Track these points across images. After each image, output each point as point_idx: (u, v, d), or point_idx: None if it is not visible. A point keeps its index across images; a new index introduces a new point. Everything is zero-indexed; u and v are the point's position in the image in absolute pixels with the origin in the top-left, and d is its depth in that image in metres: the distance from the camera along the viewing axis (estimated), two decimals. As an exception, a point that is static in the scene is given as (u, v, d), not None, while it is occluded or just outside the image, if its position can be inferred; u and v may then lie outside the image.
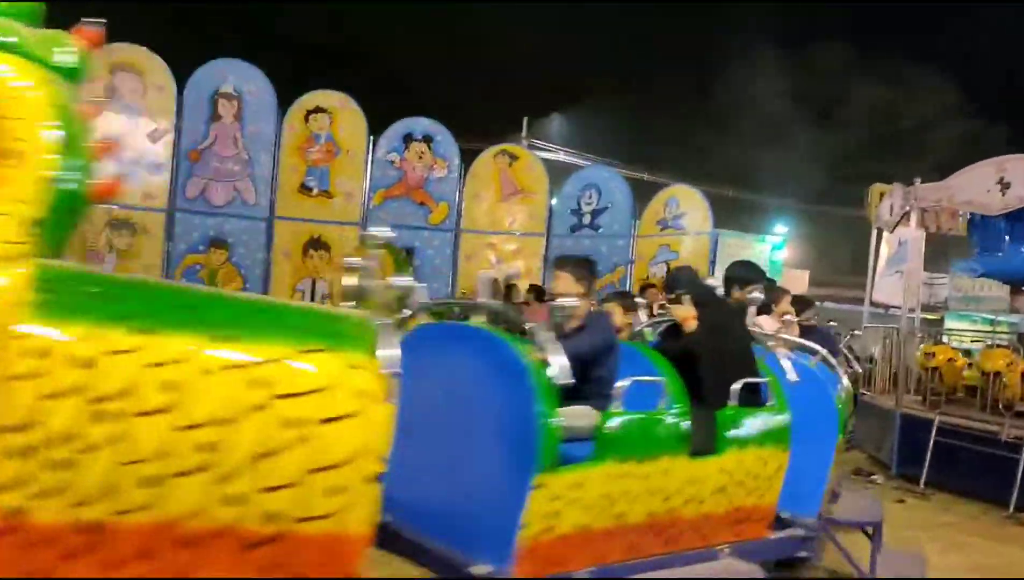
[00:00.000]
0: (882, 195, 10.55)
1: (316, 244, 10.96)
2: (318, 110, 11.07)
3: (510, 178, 11.23)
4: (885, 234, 11.25)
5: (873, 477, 8.82)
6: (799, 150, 32.74)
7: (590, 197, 10.89)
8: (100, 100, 10.16)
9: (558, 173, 12.36)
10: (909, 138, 32.78)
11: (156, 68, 10.51)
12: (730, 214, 22.90)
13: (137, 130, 10.44)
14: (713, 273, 9.61)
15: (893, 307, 11.25)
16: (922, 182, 9.41)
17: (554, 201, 11.28)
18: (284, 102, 11.01)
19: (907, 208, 9.54)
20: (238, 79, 10.82)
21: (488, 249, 11.13)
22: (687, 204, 10.07)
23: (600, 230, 10.73)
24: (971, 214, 10.00)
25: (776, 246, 23.61)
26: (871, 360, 11.48)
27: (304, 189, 11.00)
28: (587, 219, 10.89)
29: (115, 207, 10.28)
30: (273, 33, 30.58)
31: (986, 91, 33.00)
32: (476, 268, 11.07)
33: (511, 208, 11.19)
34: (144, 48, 10.43)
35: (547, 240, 11.01)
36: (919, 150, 29.66)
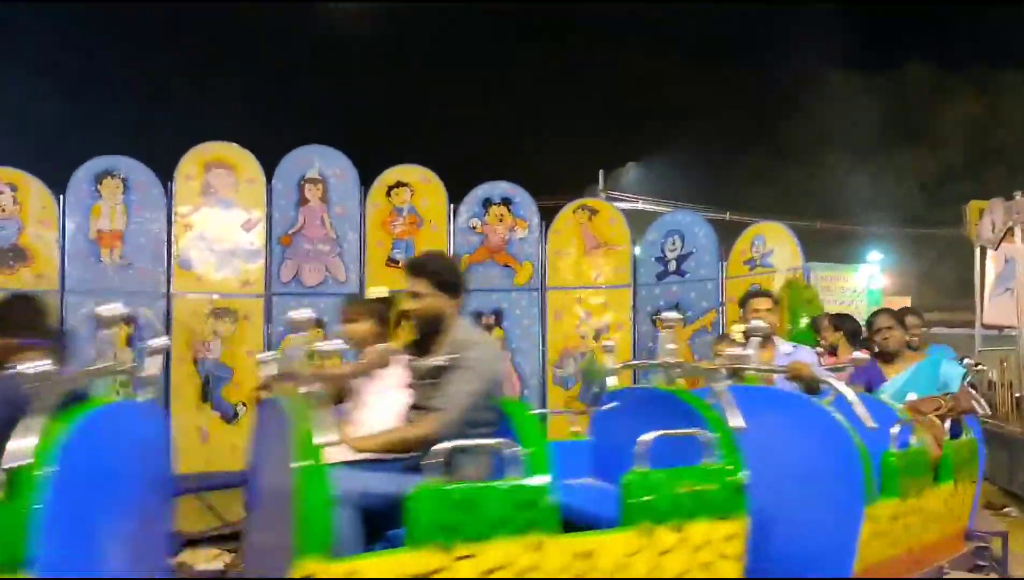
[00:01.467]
0: (981, 212, 10.12)
1: (408, 315, 11.13)
2: (399, 185, 11.40)
3: (591, 232, 11.25)
4: (990, 252, 10.76)
5: (1006, 510, 8.29)
6: (890, 174, 31.77)
7: (674, 243, 10.80)
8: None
9: (639, 222, 12.32)
10: (1003, 154, 31.42)
11: (247, 162, 11.04)
12: (821, 246, 22.37)
13: (232, 222, 10.95)
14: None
15: (1007, 327, 10.67)
16: (1022, 196, 9.01)
17: (637, 250, 11.23)
18: (366, 181, 11.38)
19: (1010, 223, 9.12)
20: (322, 163, 11.26)
21: (576, 304, 11.12)
22: (774, 240, 9.87)
23: (687, 275, 10.60)
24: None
25: (873, 275, 22.86)
26: (990, 386, 10.89)
27: (391, 262, 11.27)
28: (672, 266, 10.78)
29: (216, 296, 10.75)
30: (346, 115, 31.80)
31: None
32: (566, 325, 11.06)
33: (595, 261, 11.18)
34: (234, 144, 10.99)
35: (634, 290, 10.93)
36: (1014, 165, 28.37)
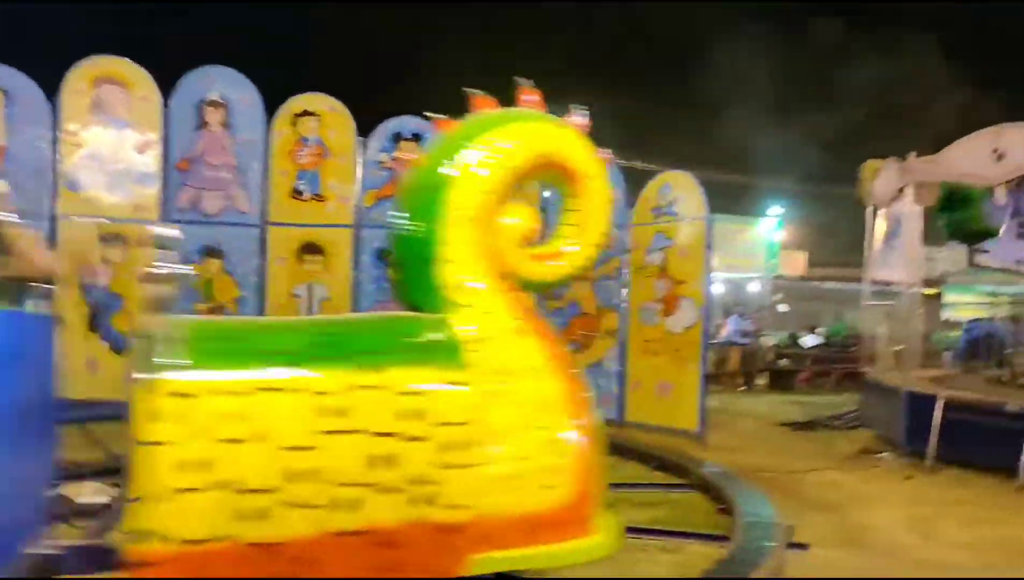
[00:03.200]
0: (876, 171, 10.48)
1: (311, 248, 10.88)
2: (306, 113, 10.99)
3: (502, 172, 11.14)
4: (881, 210, 11.18)
5: (881, 455, 8.78)
6: (794, 130, 32.63)
7: (584, 188, 10.80)
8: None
9: (551, 165, 12.24)
10: (907, 114, 32.66)
11: (141, 79, 10.43)
12: (726, 198, 22.90)
13: (124, 142, 10.37)
14: (710, 258, 9.56)
15: (893, 283, 11.19)
16: (918, 156, 9.35)
17: (547, 193, 11.18)
18: (271, 107, 10.94)
19: (902, 184, 9.48)
20: (225, 86, 10.74)
21: (484, 245, 11.04)
22: (681, 190, 9.99)
23: (595, 220, 10.65)
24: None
25: (773, 228, 23.52)
26: (874, 338, 11.45)
27: (296, 194, 10.93)
28: (582, 210, 10.80)
29: (105, 220, 10.22)
30: (253, 38, 30.48)
31: (982, 60, 32.89)
32: (473, 265, 10.99)
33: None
34: (127, 60, 10.35)
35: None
36: (918, 126, 29.54)
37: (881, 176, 10.32)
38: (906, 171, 9.35)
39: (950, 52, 33.36)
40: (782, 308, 24.60)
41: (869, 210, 11.26)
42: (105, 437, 7.83)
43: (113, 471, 6.15)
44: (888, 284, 11.98)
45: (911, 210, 9.80)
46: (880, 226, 11.10)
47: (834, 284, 26.72)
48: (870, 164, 10.66)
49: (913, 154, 9.39)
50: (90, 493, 5.61)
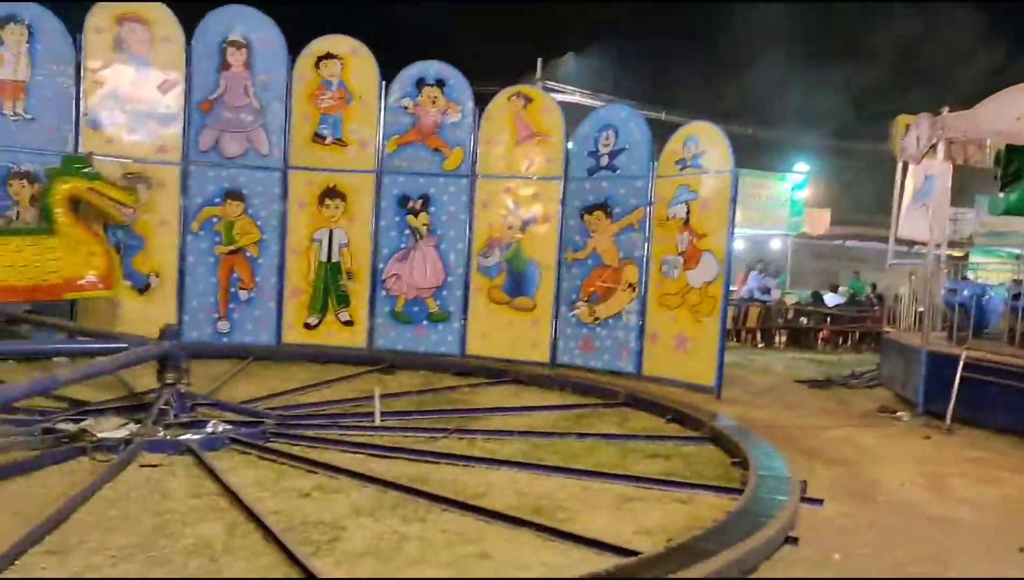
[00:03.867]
0: (908, 127, 10.25)
1: (332, 193, 10.87)
2: (329, 56, 10.89)
3: (525, 121, 11.01)
4: (911, 168, 10.97)
5: (899, 414, 8.75)
6: (822, 86, 31.97)
7: (607, 138, 10.67)
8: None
9: (576, 116, 12.10)
10: (937, 71, 31.86)
11: (163, 18, 10.35)
12: (751, 152, 22.56)
13: (146, 82, 10.33)
14: (733, 212, 9.44)
15: (918, 244, 11.02)
16: (949, 112, 9.13)
17: (571, 144, 11.06)
18: (294, 49, 10.84)
19: (934, 139, 9.27)
20: (246, 26, 10.65)
21: (505, 194, 10.98)
22: (706, 143, 9.83)
23: (618, 171, 10.53)
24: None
25: (798, 185, 23.21)
26: (897, 298, 11.33)
27: (318, 138, 10.88)
28: (605, 161, 10.67)
29: (129, 161, 10.24)
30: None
31: (1018, 15, 31.84)
32: (493, 215, 10.94)
33: (527, 152, 11.00)
34: (150, -2, 10.29)
35: (565, 183, 10.83)
36: (947, 83, 28.84)
37: (912, 131, 10.10)
38: (938, 127, 9.14)
39: (983, 6, 32.38)
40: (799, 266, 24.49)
41: (898, 167, 11.05)
42: (126, 375, 7.96)
43: (134, 408, 6.26)
44: (913, 244, 11.82)
45: (941, 168, 9.61)
46: (908, 183, 10.90)
47: (857, 243, 26.42)
48: (901, 119, 10.46)
49: (946, 109, 9.17)
50: (110, 427, 5.70)
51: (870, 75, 34.22)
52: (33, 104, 9.84)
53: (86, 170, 9.36)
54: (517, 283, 10.84)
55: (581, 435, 6.62)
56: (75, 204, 9.23)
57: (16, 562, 3.53)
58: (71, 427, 5.70)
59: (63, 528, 3.99)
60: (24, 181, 9.80)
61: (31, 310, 8.85)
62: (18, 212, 9.78)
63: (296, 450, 5.64)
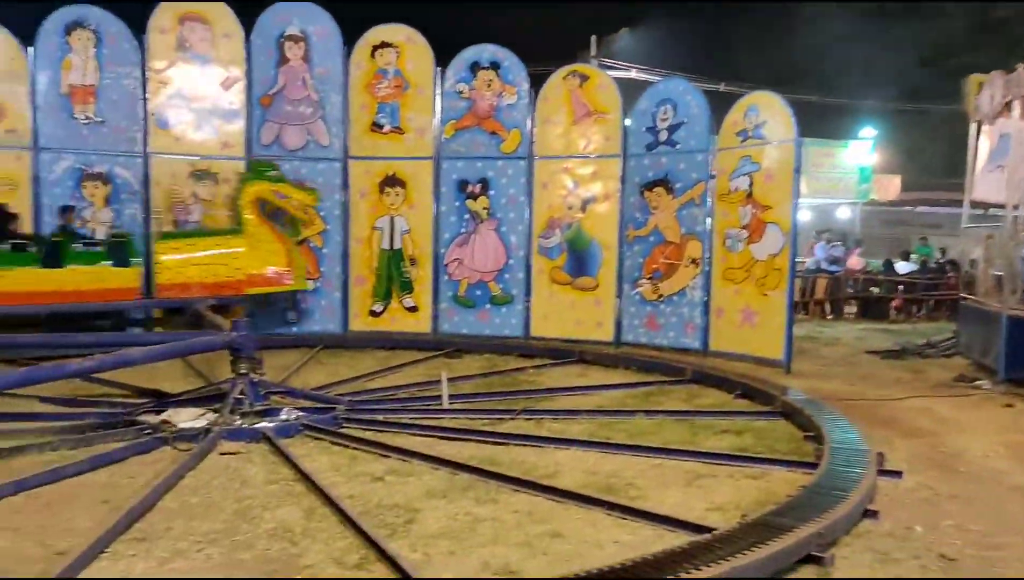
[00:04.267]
0: (981, 85, 9.86)
1: (392, 181, 10.97)
2: (384, 45, 10.97)
3: (582, 99, 10.93)
4: (985, 128, 10.56)
5: (978, 383, 8.48)
6: (888, 46, 30.88)
7: (665, 113, 10.52)
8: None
9: (632, 92, 11.96)
10: (1011, 25, 30.47)
11: (223, 16, 10.57)
12: (815, 120, 21.97)
13: (209, 79, 10.56)
14: (798, 183, 9.23)
15: (994, 206, 10.60)
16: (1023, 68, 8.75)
17: (628, 120, 10.94)
18: (349, 40, 10.95)
19: (1009, 97, 8.90)
20: (303, 20, 10.79)
21: (564, 174, 10.93)
22: (768, 112, 9.61)
23: (678, 146, 10.38)
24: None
25: (865, 151, 22.44)
26: (972, 263, 10.95)
27: (375, 127, 10.98)
28: (663, 136, 10.52)
29: (196, 158, 10.50)
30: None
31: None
32: (552, 195, 10.91)
33: (585, 130, 10.92)
34: (209, -3, 10.51)
35: (624, 161, 10.73)
36: (1015, 39, 27.57)
37: (985, 90, 9.71)
38: (1013, 84, 8.77)
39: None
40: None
41: (971, 128, 10.65)
42: (202, 366, 8.20)
43: (212, 398, 6.45)
44: (989, 206, 11.39)
45: (1017, 127, 9.23)
46: (983, 144, 10.49)
47: (929, 208, 25.58)
48: (974, 77, 10.04)
49: (1021, 66, 8.78)
50: (189, 418, 5.88)
51: (939, 32, 32.91)
52: (102, 107, 10.16)
53: (270, 173, 9.98)
54: (579, 263, 10.80)
55: (649, 413, 6.59)
56: (262, 205, 9.87)
57: (107, 549, 3.68)
58: (153, 418, 5.90)
59: (149, 516, 4.14)
60: (98, 182, 10.14)
61: (215, 306, 9.19)
62: (94, 212, 10.13)
63: (368, 435, 5.74)
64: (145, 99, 10.32)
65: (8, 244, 8.89)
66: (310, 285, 10.58)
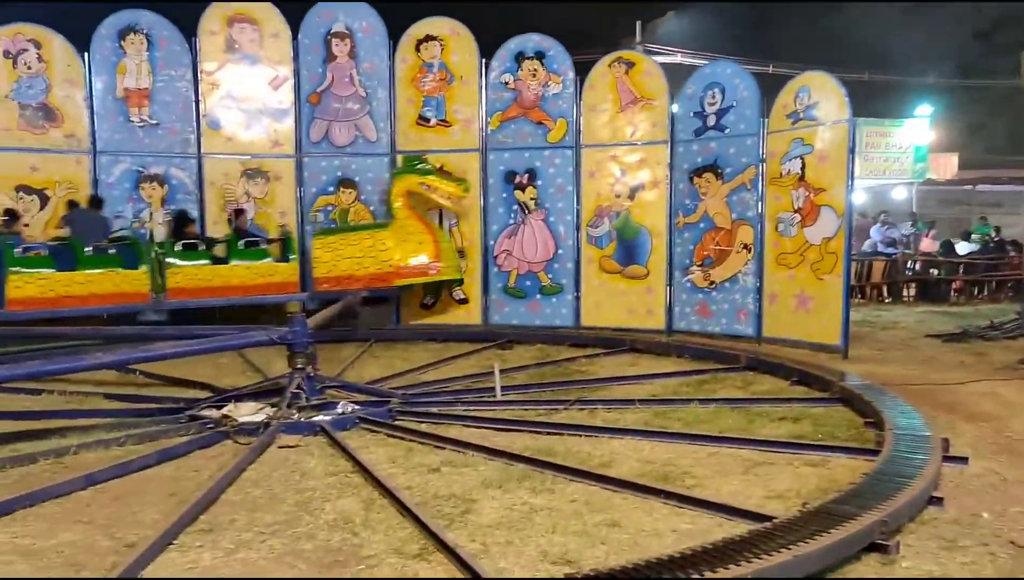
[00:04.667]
0: (1041, 58, 9.54)
1: (440, 174, 11.02)
2: (428, 39, 11.02)
3: (628, 86, 10.85)
4: (1047, 102, 10.23)
5: (1044, 365, 8.22)
6: (942, 21, 30.02)
7: (713, 97, 10.38)
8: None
9: (679, 77, 11.83)
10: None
11: (270, 16, 10.72)
12: (868, 99, 21.49)
13: (258, 79, 10.73)
14: (852, 164, 9.04)
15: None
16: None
17: (676, 106, 10.83)
18: (394, 35, 11.02)
19: (1072, 69, 8.60)
20: (349, 16, 10.90)
21: (611, 162, 10.87)
22: (819, 93, 9.42)
23: (727, 130, 10.24)
24: None
25: (921, 130, 21.82)
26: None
27: (422, 120, 11.05)
28: (712, 120, 10.39)
29: (247, 157, 10.68)
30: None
31: None
32: (600, 184, 10.85)
33: (632, 117, 10.84)
34: (258, -1, 10.68)
35: (671, 147, 10.63)
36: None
37: (1046, 63, 9.39)
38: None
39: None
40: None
41: (1032, 102, 10.31)
42: (258, 362, 8.35)
43: (269, 393, 6.57)
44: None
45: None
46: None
47: (989, 187, 24.85)
48: (1033, 50, 9.72)
49: (1086, 36, 8.48)
50: (249, 412, 6.00)
51: (994, 4, 31.91)
52: (156, 109, 10.40)
53: (419, 166, 10.27)
54: (628, 251, 10.74)
55: (704, 401, 6.52)
56: (413, 198, 10.27)
57: (175, 541, 3.78)
58: (214, 413, 6.03)
59: (213, 509, 4.23)
60: (155, 184, 10.39)
61: (368, 298, 10.07)
62: (151, 213, 10.39)
63: (423, 427, 5.79)
64: (198, 101, 10.53)
65: (180, 244, 9.73)
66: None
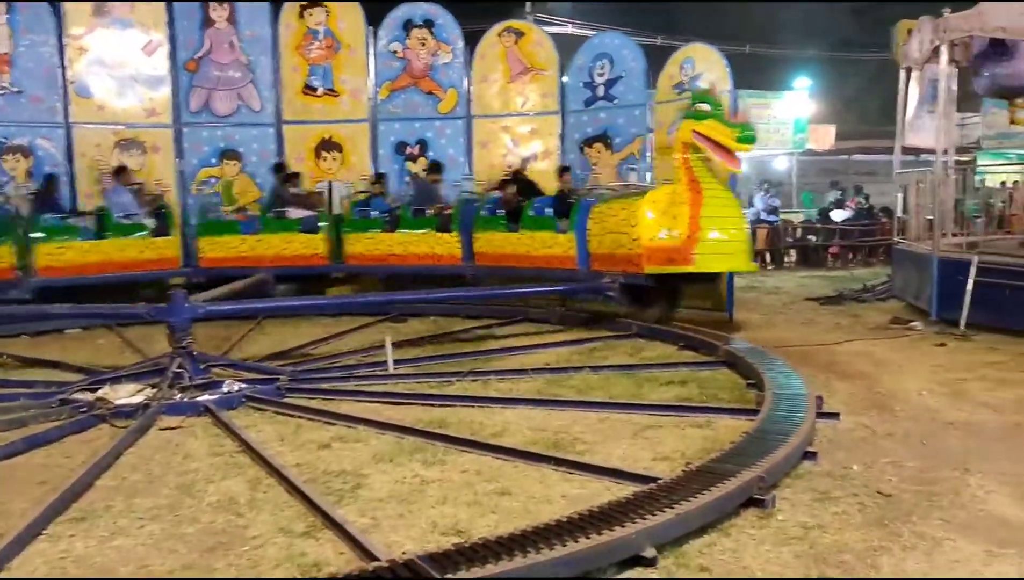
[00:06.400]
0: (910, 32, 10.00)
1: (328, 145, 10.76)
2: (313, 3, 10.68)
3: (518, 56, 10.82)
4: (915, 74, 10.74)
5: (912, 324, 8.72)
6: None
7: (602, 67, 10.47)
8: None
9: (569, 48, 11.87)
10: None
11: (141, -23, 10.16)
12: (751, 72, 22.12)
13: (130, 45, 10.17)
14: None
15: (925, 152, 10.84)
16: (950, 13, 8.90)
17: (566, 77, 10.87)
18: (277, 0, 10.63)
19: (936, 42, 9.05)
20: (227, -21, 10.44)
21: (503, 133, 10.84)
22: (704, 64, 9.62)
23: (616, 101, 10.36)
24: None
25: (799, 102, 22.63)
26: (905, 208, 11.20)
27: (308, 90, 10.73)
28: (601, 91, 10.49)
29: (121, 127, 10.13)
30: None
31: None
32: (492, 154, 10.82)
33: (522, 88, 10.82)
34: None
35: (562, 117, 10.67)
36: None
37: (914, 36, 9.86)
38: (940, 29, 8.92)
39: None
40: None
41: (901, 74, 10.82)
42: (142, 344, 8.00)
43: (149, 373, 6.29)
44: (920, 152, 11.64)
45: (946, 72, 9.39)
46: (913, 90, 10.68)
47: (864, 156, 26.06)
48: (903, 24, 10.20)
49: (947, 10, 8.93)
50: (128, 394, 5.74)
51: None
52: (18, 76, 9.72)
53: (697, 108, 8.03)
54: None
55: (595, 368, 6.63)
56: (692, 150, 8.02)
57: (45, 531, 3.58)
58: (88, 396, 5.74)
59: (87, 495, 4.03)
60: (18, 155, 9.74)
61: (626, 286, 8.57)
62: (15, 186, 9.75)
63: (313, 403, 5.67)
64: (63, 67, 9.90)
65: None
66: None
